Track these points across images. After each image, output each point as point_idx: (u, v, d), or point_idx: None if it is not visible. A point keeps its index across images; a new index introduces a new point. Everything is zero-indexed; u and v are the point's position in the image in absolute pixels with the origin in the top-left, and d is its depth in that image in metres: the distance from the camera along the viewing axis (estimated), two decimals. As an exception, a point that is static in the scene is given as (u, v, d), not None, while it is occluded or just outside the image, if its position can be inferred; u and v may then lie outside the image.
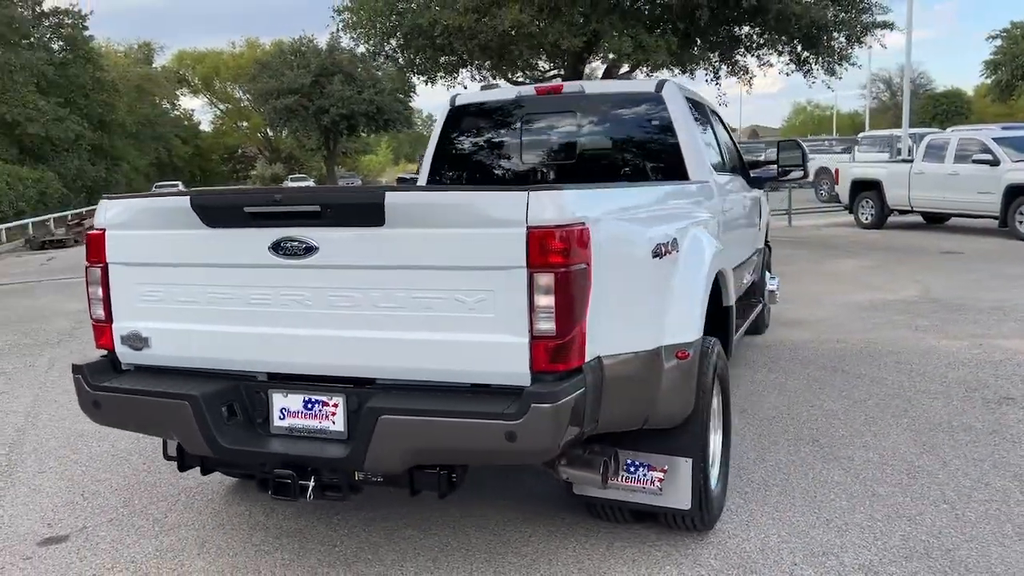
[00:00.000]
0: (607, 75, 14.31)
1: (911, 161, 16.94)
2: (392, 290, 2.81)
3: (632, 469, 3.32)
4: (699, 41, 12.86)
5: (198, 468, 3.31)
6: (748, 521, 3.77)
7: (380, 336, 2.84)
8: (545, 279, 2.61)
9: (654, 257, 3.09)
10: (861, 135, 28.26)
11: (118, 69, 48.00)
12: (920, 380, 6.00)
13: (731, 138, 6.84)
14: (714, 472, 3.83)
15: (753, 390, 5.92)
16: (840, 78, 14.46)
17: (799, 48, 13.64)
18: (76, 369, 3.21)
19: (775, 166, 6.88)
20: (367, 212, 2.75)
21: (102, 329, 3.26)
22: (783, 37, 13.21)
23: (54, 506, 4.22)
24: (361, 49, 14.90)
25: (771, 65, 14.36)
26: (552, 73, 14.41)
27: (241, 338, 3.04)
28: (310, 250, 2.86)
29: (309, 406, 3.00)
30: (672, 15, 12.22)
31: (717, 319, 4.12)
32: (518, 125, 5.49)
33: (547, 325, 2.63)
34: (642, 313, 3.06)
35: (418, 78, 13.59)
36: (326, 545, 3.66)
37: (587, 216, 2.75)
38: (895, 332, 7.62)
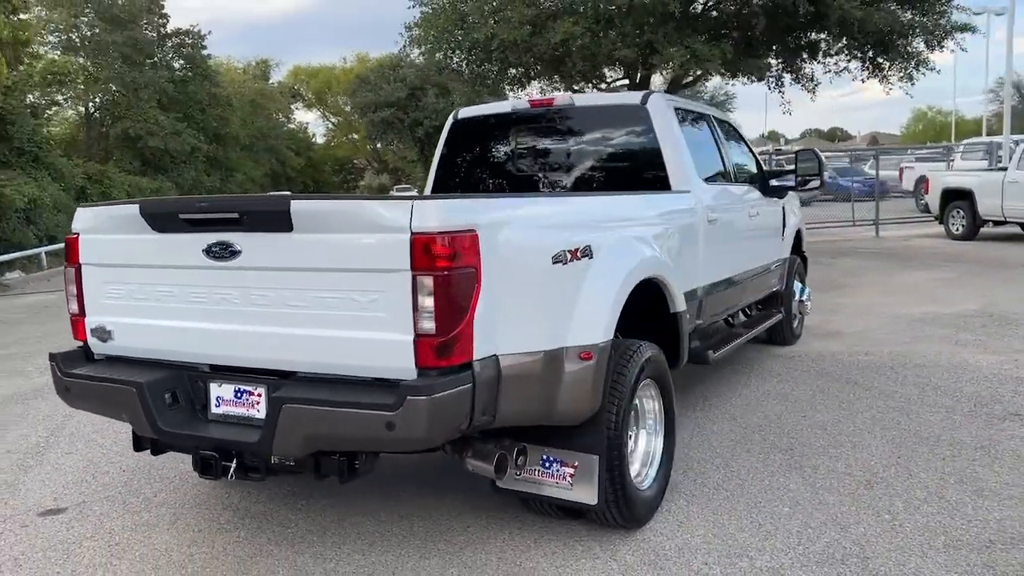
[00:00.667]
0: (674, 84, 14.29)
1: (1005, 169, 16.17)
2: (301, 290, 3.09)
3: (547, 464, 3.49)
4: (758, 49, 12.66)
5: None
6: (682, 522, 3.86)
7: (293, 332, 3.12)
8: (427, 281, 2.83)
9: (555, 263, 3.25)
10: (964, 142, 26.94)
11: (234, 85, 50.57)
12: (931, 394, 5.86)
13: (749, 149, 6.85)
14: (650, 472, 3.96)
15: (753, 399, 5.91)
16: (913, 83, 13.95)
17: (871, 54, 13.25)
18: (52, 357, 3.63)
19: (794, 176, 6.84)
20: (277, 219, 3.04)
21: (76, 322, 3.68)
22: (852, 43, 12.87)
23: (65, 483, 4.69)
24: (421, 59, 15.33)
25: (838, 73, 13.98)
26: (622, 83, 14.50)
27: (184, 333, 3.38)
28: (234, 253, 3.17)
29: (239, 395, 3.31)
30: (728, 24, 12.10)
31: (667, 325, 4.24)
32: (513, 137, 5.72)
33: (429, 324, 2.85)
34: (542, 315, 3.22)
35: (486, 91, 13.95)
36: (281, 526, 3.98)
37: (478, 223, 2.95)
38: (932, 345, 7.40)
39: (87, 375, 3.51)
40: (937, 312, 8.97)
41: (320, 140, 73.81)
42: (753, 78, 13.79)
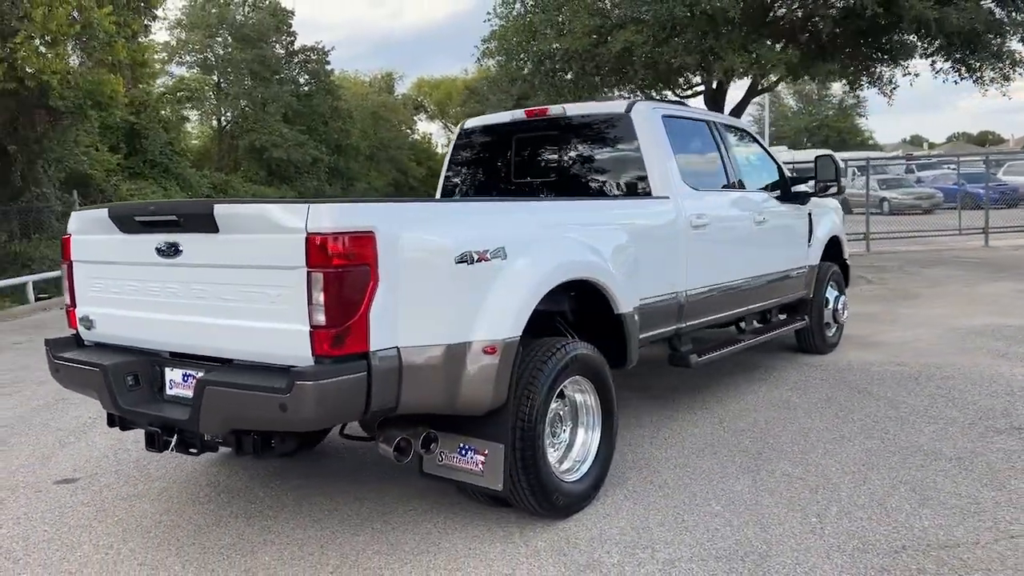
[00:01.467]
0: (751, 90, 14.04)
1: None
2: (227, 285, 3.46)
3: (463, 451, 3.73)
4: (829, 53, 12.27)
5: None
6: (608, 514, 4.00)
7: (223, 323, 3.49)
8: (319, 278, 3.14)
9: (459, 263, 3.48)
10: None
11: (357, 98, 52.70)
12: (940, 405, 5.70)
13: (769, 156, 6.82)
14: (583, 466, 4.13)
15: (751, 405, 5.92)
16: (1009, 83, 13.18)
17: (957, 54, 12.63)
18: (46, 343, 4.16)
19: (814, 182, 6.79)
20: (205, 221, 3.42)
21: (70, 312, 4.19)
22: (931, 43, 12.33)
23: (89, 458, 5.26)
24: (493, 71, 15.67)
25: (935, 75, 13.34)
26: (697, 90, 14.43)
27: (143, 322, 3.82)
28: (178, 252, 3.58)
29: (185, 379, 3.72)
30: (794, 28, 11.80)
31: (613, 326, 4.40)
32: (512, 145, 5.97)
33: (321, 317, 3.15)
34: (445, 311, 3.46)
35: (561, 100, 14.15)
36: (247, 501, 4.37)
37: (375, 225, 3.24)
38: (973, 358, 7.12)
39: (69, 358, 4.01)
40: (999, 324, 8.57)
41: (442, 150, 75.71)
42: (830, 80, 13.40)
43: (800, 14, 11.53)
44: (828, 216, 7.60)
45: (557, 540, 3.74)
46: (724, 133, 6.21)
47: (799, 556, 3.49)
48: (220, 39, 39.60)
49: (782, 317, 7.08)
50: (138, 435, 5.36)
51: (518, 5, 13.13)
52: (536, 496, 3.76)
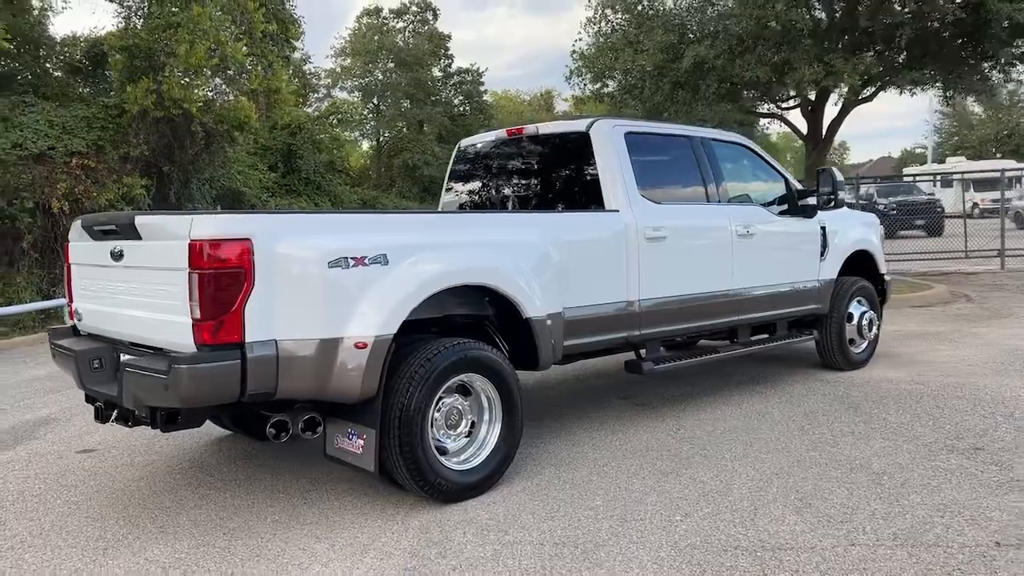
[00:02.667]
0: (847, 106, 13.46)
1: None
2: (149, 284, 4.11)
3: (351, 436, 4.19)
4: (911, 61, 11.61)
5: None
6: (494, 502, 4.32)
7: (147, 316, 4.15)
8: (195, 278, 3.72)
9: (332, 267, 3.94)
10: None
11: (513, 116, 54.17)
12: (917, 424, 5.56)
13: (769, 168, 6.81)
14: (480, 455, 4.48)
15: (724, 415, 5.98)
16: None
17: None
18: (48, 332, 5.00)
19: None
20: (131, 230, 4.10)
21: (69, 306, 5.01)
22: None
23: (116, 434, 6.11)
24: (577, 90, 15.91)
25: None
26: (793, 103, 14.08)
27: (107, 315, 4.55)
28: (121, 256, 4.28)
29: (129, 363, 4.41)
30: (872, 38, 11.25)
31: (521, 329, 4.72)
32: (495, 161, 6.38)
33: (197, 312, 3.73)
34: (319, 309, 3.92)
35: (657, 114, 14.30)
36: (210, 476, 5.02)
37: (253, 234, 3.79)
38: (1001, 379, 6.78)
39: (59, 345, 4.82)
40: (1063, 346, 8.01)
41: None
42: (912, 89, 12.67)
43: (869, 23, 11.04)
44: (853, 229, 7.45)
45: (430, 521, 4.11)
46: (709, 148, 6.30)
47: (631, 548, 3.68)
48: (380, 64, 42.07)
49: (792, 329, 7.03)
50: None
51: (603, 24, 13.41)
52: (416, 480, 4.16)
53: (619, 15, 12.98)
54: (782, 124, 15.34)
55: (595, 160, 5.58)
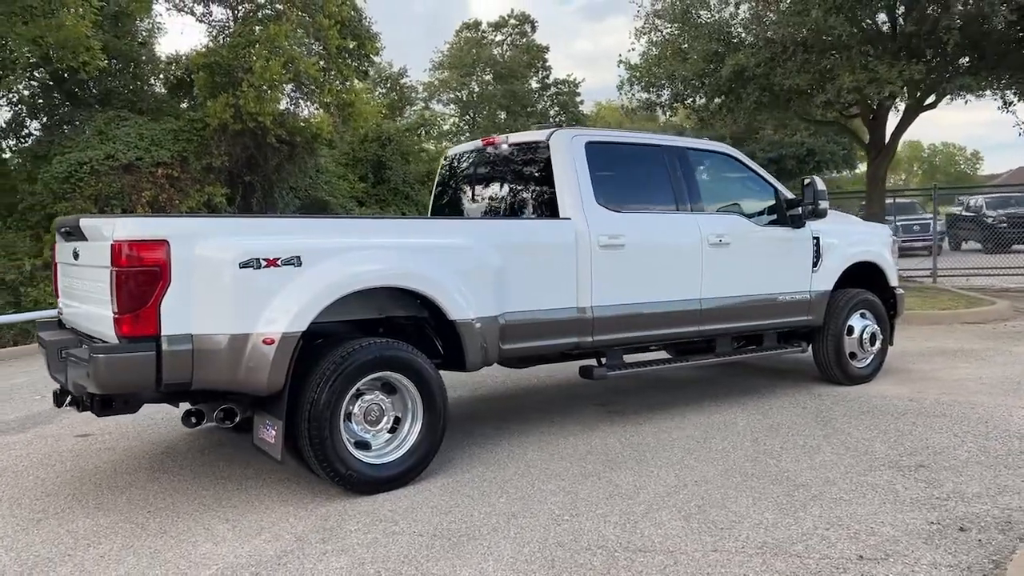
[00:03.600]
0: (909, 114, 12.82)
1: None
2: (93, 281, 4.51)
3: (268, 426, 4.46)
4: (962, 67, 10.96)
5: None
6: (400, 496, 4.50)
7: (96, 311, 4.55)
8: (117, 275, 4.08)
9: (243, 268, 4.22)
10: None
11: (612, 125, 54.07)
12: (880, 439, 5.42)
13: (757, 178, 6.73)
14: (401, 448, 4.68)
15: (690, 423, 5.97)
16: None
17: None
18: (36, 324, 5.51)
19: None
20: (78, 231, 4.51)
21: (57, 301, 5.51)
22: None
23: (116, 421, 6.59)
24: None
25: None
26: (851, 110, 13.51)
27: (74, 310, 5.01)
28: (78, 255, 4.71)
29: (87, 352, 4.83)
30: (918, 43, 10.67)
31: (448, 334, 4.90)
32: (472, 170, 6.58)
33: (115, 306, 4.09)
34: (230, 306, 4.20)
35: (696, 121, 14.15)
36: (177, 464, 5.41)
37: (170, 236, 4.13)
38: (1002, 399, 6.49)
39: (39, 336, 5.31)
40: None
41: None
42: (963, 95, 11.96)
43: (914, 28, 10.53)
44: (854, 240, 7.25)
45: (335, 510, 4.33)
46: (684, 158, 6.28)
47: (500, 543, 3.80)
48: (476, 77, 42.87)
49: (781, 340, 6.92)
50: (158, 408, 6.61)
51: (652, 33, 13.36)
52: (327, 471, 4.40)
53: (668, 24, 12.91)
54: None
55: (551, 168, 5.70)
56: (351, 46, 19.58)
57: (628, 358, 6.09)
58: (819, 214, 6.53)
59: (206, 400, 4.51)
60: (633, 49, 14.32)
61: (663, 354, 6.95)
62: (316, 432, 4.35)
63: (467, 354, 4.94)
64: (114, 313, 4.10)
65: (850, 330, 7.14)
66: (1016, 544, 3.62)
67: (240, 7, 18.44)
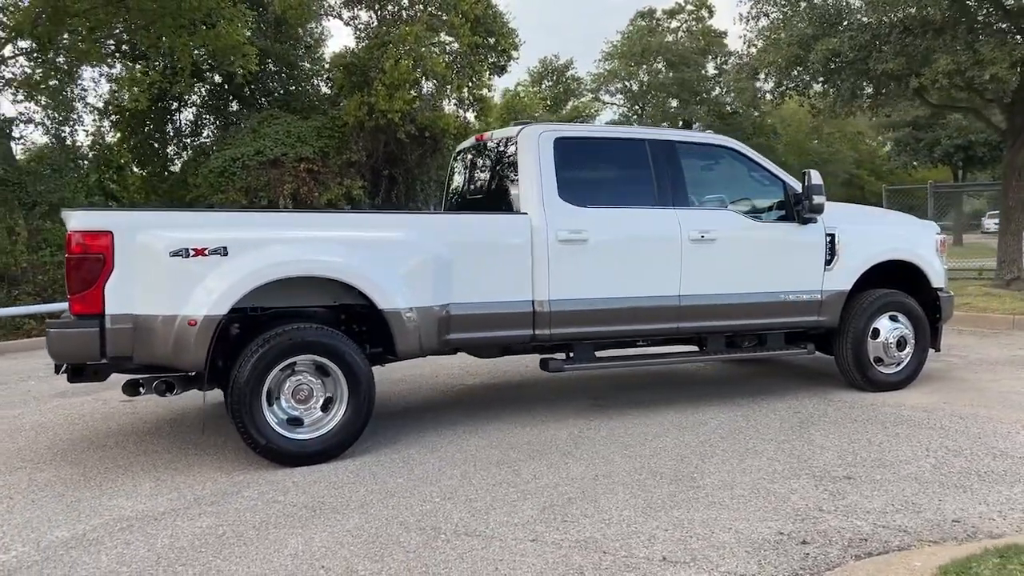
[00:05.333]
0: None
1: None
2: (74, 266, 5.21)
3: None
4: None
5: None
6: (311, 470, 4.84)
7: (77, 291, 5.25)
8: (69, 261, 4.73)
9: (172, 256, 4.73)
10: None
11: (800, 113, 51.55)
12: (840, 450, 5.15)
13: (764, 172, 6.48)
14: (325, 426, 5.04)
15: (664, 421, 5.91)
16: None
17: None
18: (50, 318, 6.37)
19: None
20: (63, 222, 5.22)
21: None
22: None
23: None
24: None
25: None
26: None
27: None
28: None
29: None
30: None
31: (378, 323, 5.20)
32: (469, 165, 6.81)
33: (68, 288, 4.75)
34: (163, 290, 4.71)
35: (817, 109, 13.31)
36: (163, 431, 6.08)
37: (114, 226, 4.73)
38: (1020, 413, 5.91)
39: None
40: None
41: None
42: None
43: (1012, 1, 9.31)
44: (882, 237, 6.79)
45: (250, 477, 4.77)
46: (671, 152, 6.16)
47: (350, 516, 4.05)
48: (645, 66, 42.40)
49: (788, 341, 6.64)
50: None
51: (761, 19, 12.76)
52: (246, 440, 4.86)
53: (775, 9, 12.29)
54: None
55: (517, 164, 5.84)
56: (489, 42, 20.13)
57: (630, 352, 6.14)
58: (813, 210, 6.20)
59: (153, 372, 5.08)
60: (743, 37, 13.76)
61: (667, 351, 6.84)
62: (237, 407, 4.80)
63: (396, 342, 5.21)
64: (68, 294, 4.74)
65: (875, 333, 6.69)
66: (846, 561, 3.43)
67: (384, 10, 19.48)
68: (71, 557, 3.64)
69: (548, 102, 38.32)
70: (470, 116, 19.49)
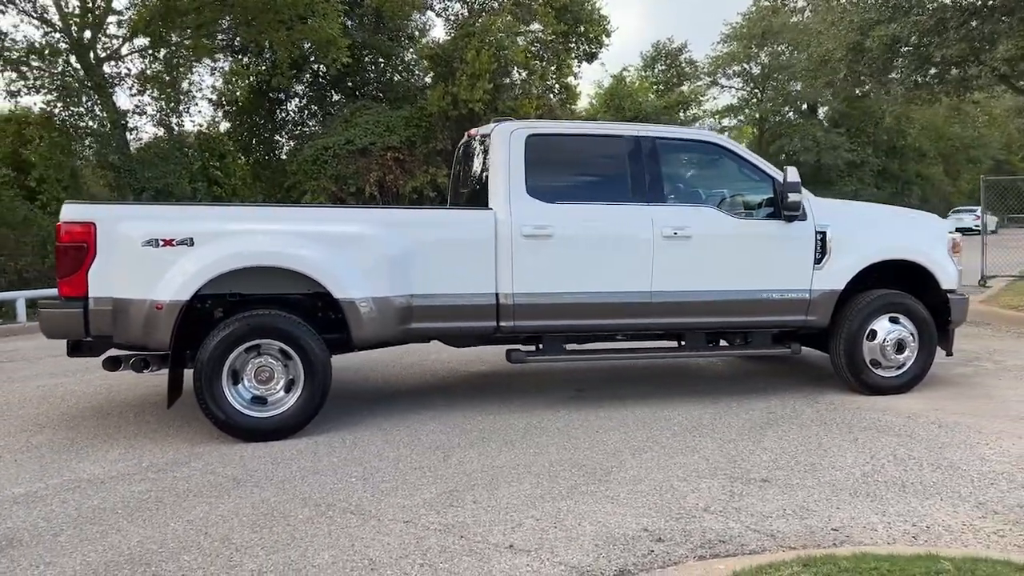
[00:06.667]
0: None
1: None
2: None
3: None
4: None
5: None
6: (262, 447, 5.23)
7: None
8: (58, 248, 5.31)
9: (144, 246, 5.20)
10: None
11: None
12: (774, 455, 5.12)
13: (754, 169, 6.38)
14: (283, 404, 5.41)
15: (624, 415, 5.98)
16: None
17: None
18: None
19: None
20: (68, 214, 5.82)
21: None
22: None
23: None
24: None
25: None
26: None
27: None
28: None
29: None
30: None
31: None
32: (463, 159, 7.03)
33: (58, 273, 5.32)
34: (137, 276, 5.20)
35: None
36: (154, 406, 6.64)
37: (96, 218, 5.27)
38: (1009, 424, 5.62)
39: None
40: None
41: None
42: None
43: None
44: (881, 236, 6.55)
45: (204, 449, 5.19)
46: (651, 148, 6.14)
47: (250, 492, 4.37)
48: (767, 48, 40.97)
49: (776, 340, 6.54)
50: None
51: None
52: (207, 415, 5.30)
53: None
54: None
55: (489, 161, 6.03)
56: (579, 30, 20.16)
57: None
58: (788, 208, 6.06)
59: (134, 350, 5.60)
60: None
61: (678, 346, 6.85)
62: (199, 385, 5.25)
63: (351, 330, 5.52)
64: (57, 278, 5.31)
65: (871, 335, 6.48)
66: (684, 561, 3.48)
67: (475, 1, 19.84)
68: (9, 511, 4.15)
69: (660, 87, 37.72)
70: (555, 103, 19.55)
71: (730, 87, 42.35)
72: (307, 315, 5.65)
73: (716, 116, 40.97)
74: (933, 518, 3.95)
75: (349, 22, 19.49)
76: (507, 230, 5.79)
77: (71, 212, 5.31)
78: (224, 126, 21.09)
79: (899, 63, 10.80)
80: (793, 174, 6.04)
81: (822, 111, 41.98)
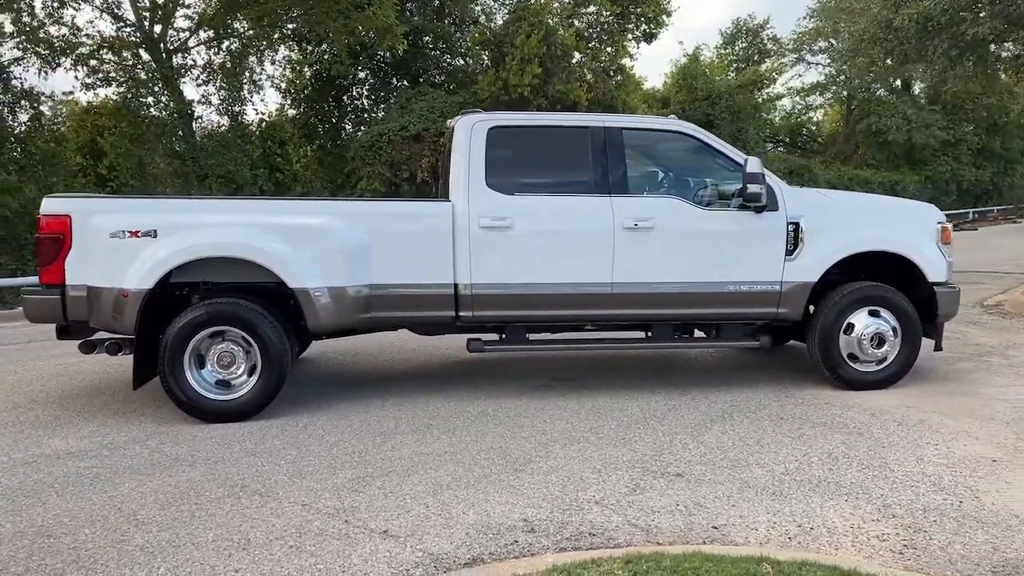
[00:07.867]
0: None
1: None
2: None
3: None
4: None
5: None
6: (220, 427, 5.53)
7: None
8: (37, 239, 5.71)
9: (112, 237, 5.52)
10: None
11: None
12: (705, 447, 5.09)
13: (725, 160, 6.28)
14: (243, 389, 5.68)
15: (581, 404, 6.04)
16: None
17: None
18: None
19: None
20: (59, 206, 6.24)
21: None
22: None
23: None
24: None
25: None
26: None
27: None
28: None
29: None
30: None
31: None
32: (443, 149, 7.13)
33: (40, 260, 5.73)
34: (107, 266, 5.54)
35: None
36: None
37: (71, 211, 5.65)
38: (989, 426, 5.41)
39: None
40: None
41: None
42: None
43: None
44: (860, 226, 6.34)
45: (165, 430, 5.51)
46: (614, 140, 6.12)
47: (182, 471, 4.66)
48: (852, 22, 39.25)
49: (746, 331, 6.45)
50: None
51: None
52: (171, 396, 5.62)
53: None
54: None
55: (451, 153, 6.14)
56: (637, 10, 19.90)
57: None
58: (749, 199, 5.93)
59: (116, 334, 5.97)
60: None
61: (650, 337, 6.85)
62: (162, 368, 5.58)
63: (307, 318, 5.74)
64: (37, 267, 5.72)
65: (848, 328, 6.31)
66: (543, 552, 3.55)
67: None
68: (-38, 482, 4.55)
69: (739, 64, 36.69)
70: (612, 86, 19.37)
71: (816, 63, 40.83)
72: (276, 304, 5.88)
73: (801, 94, 39.63)
74: (823, 519, 3.89)
75: (411, 7, 19.71)
76: (465, 222, 5.89)
77: (50, 205, 5.69)
78: (291, 113, 21.75)
79: (934, 42, 10.26)
80: (753, 164, 5.91)
81: (917, 87, 40.06)
